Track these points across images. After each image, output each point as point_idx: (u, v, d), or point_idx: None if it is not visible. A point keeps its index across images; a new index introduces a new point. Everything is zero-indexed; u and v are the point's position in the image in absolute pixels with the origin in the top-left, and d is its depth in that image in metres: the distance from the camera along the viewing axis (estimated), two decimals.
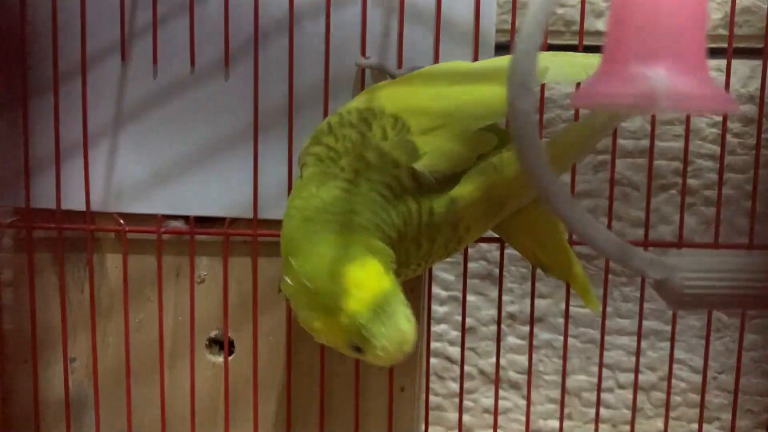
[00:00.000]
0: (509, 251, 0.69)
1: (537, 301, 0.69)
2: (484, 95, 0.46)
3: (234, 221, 0.54)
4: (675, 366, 0.69)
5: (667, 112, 0.25)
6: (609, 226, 0.55)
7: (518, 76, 0.27)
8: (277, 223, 0.54)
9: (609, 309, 0.69)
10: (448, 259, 0.70)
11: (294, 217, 0.44)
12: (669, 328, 0.68)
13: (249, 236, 0.54)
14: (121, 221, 0.54)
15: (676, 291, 0.27)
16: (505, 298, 0.69)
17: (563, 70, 0.47)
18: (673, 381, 0.69)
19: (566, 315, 0.55)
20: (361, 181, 0.43)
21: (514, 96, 0.27)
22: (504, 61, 0.50)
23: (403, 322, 0.41)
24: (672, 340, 0.54)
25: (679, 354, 0.69)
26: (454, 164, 0.44)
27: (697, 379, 0.69)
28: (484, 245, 0.69)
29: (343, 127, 0.45)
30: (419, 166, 0.44)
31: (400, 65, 0.53)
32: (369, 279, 0.41)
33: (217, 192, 0.54)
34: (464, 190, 0.45)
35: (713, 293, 0.27)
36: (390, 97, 0.46)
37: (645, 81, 0.25)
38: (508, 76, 0.27)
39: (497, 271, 0.64)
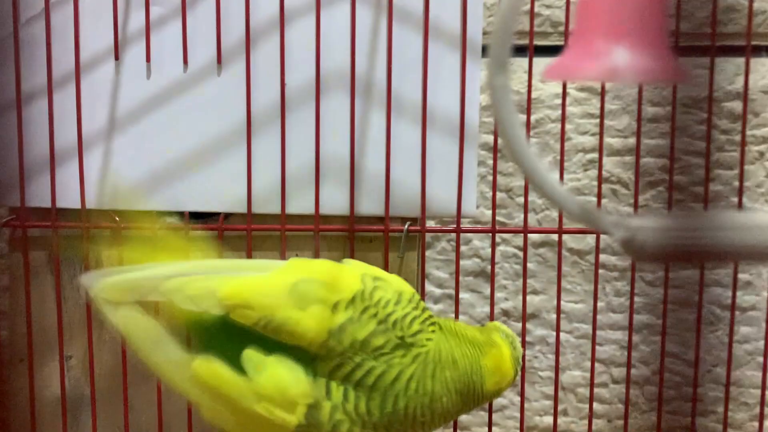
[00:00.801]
0: (502, 248, 0.69)
1: (530, 298, 0.69)
2: None
3: (228, 216, 0.55)
4: (669, 360, 0.69)
5: (629, 82, 0.28)
6: None
7: (496, 54, 0.29)
8: (270, 217, 0.55)
9: (601, 304, 0.69)
10: (440, 257, 0.70)
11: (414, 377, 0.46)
12: (661, 322, 0.68)
13: (243, 230, 0.54)
14: (117, 218, 0.55)
15: (641, 248, 0.29)
16: (498, 294, 0.70)
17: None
18: (667, 375, 0.70)
19: (558, 311, 0.56)
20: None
21: (492, 72, 0.29)
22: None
23: (512, 367, 0.49)
24: (663, 334, 0.54)
25: (672, 347, 0.70)
26: None
27: (692, 372, 0.69)
28: (476, 242, 0.70)
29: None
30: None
31: (389, 64, 0.53)
32: (501, 365, 0.48)
33: (211, 188, 0.54)
34: None
35: (673, 249, 0.30)
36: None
37: (609, 57, 0.28)
38: (489, 53, 0.30)
39: (490, 268, 0.65)
